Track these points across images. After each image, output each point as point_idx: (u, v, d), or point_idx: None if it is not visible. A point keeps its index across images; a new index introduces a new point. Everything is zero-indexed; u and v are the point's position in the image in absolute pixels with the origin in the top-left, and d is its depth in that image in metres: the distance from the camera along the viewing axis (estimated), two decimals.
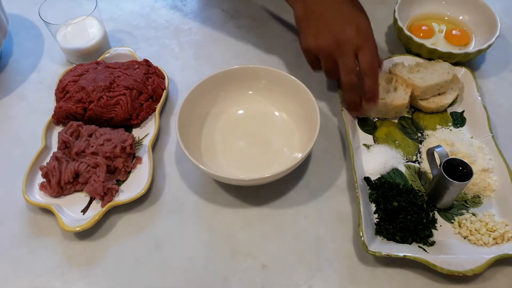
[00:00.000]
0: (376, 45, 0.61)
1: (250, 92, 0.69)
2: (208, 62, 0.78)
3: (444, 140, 0.64)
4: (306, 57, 0.65)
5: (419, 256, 0.52)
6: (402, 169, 0.63)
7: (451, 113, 0.69)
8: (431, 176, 0.60)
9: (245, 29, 0.83)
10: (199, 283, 0.54)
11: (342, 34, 0.59)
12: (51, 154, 0.63)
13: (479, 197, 0.60)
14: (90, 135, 0.62)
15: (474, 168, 0.57)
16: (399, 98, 0.66)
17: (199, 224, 0.59)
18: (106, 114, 0.65)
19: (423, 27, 0.77)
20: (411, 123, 0.68)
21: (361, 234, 0.53)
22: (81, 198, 0.60)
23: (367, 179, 0.61)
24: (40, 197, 0.59)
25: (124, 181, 0.62)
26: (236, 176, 0.58)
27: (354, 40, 0.59)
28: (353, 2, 0.63)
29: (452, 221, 0.58)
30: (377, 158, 0.63)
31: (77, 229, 0.55)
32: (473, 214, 0.58)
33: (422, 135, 0.67)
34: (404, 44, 0.75)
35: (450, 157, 0.55)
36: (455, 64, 0.72)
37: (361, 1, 0.64)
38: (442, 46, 0.74)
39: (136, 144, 0.65)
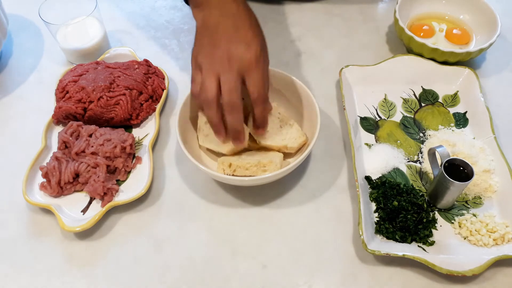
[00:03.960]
0: (267, 70, 0.56)
1: None
2: None
3: (446, 141, 0.63)
4: (192, 70, 0.57)
5: (418, 255, 0.52)
6: (403, 168, 0.63)
7: (454, 114, 0.69)
8: (432, 176, 0.60)
9: None
10: (199, 283, 0.54)
11: (231, 50, 0.53)
12: (51, 154, 0.63)
13: (480, 198, 0.59)
14: (90, 135, 0.62)
15: (476, 169, 0.57)
16: (290, 138, 0.61)
17: (199, 224, 0.59)
18: (106, 114, 0.65)
19: (424, 27, 0.77)
20: (413, 123, 0.68)
21: (360, 233, 0.53)
22: (81, 198, 0.60)
23: (368, 178, 0.61)
24: (40, 197, 0.59)
25: (124, 181, 0.62)
26: (236, 176, 0.58)
27: (243, 59, 0.53)
28: (251, 25, 0.56)
29: (453, 221, 0.57)
30: (379, 157, 0.63)
31: (77, 229, 0.55)
32: (474, 215, 0.57)
33: (424, 135, 0.66)
34: (405, 44, 0.75)
35: (451, 157, 0.55)
36: (457, 63, 0.71)
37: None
38: (443, 45, 0.74)
39: (136, 144, 0.65)
